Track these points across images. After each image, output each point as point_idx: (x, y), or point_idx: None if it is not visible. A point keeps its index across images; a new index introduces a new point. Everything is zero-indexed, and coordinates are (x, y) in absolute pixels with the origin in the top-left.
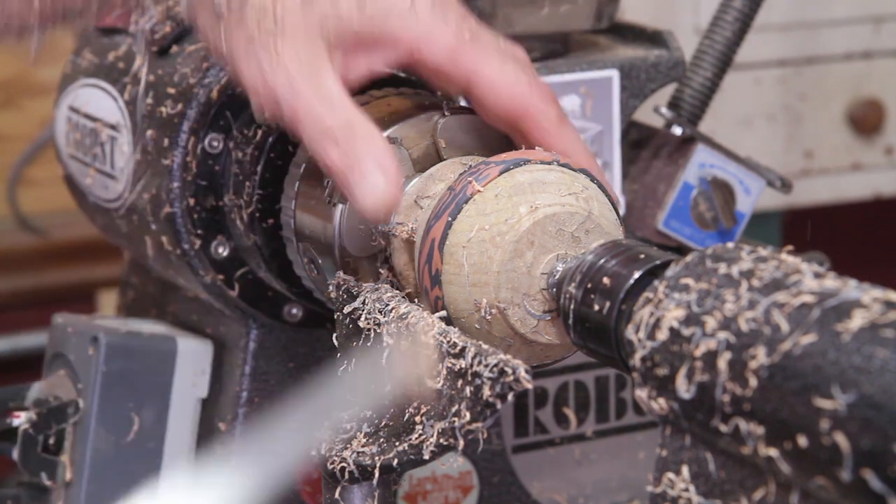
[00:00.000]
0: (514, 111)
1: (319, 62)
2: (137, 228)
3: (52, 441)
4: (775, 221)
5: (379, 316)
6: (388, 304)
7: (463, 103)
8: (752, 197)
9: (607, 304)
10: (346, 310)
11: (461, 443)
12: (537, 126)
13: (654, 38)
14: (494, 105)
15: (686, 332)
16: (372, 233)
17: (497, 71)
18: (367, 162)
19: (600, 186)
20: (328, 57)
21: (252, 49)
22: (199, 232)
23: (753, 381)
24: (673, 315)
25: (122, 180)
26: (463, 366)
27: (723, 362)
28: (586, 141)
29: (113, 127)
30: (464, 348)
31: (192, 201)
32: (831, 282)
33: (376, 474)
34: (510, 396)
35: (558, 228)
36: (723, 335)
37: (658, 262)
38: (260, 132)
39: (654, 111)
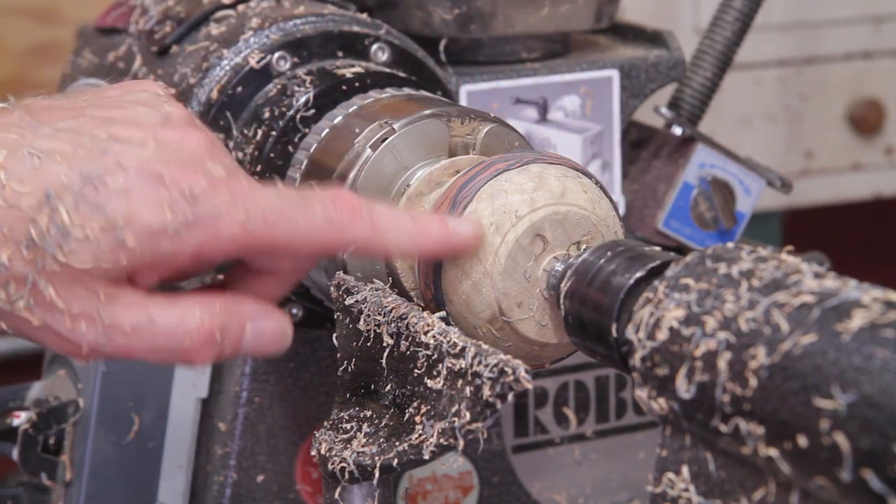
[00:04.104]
0: (325, 252)
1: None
2: None
3: (52, 441)
4: (775, 221)
5: (379, 317)
6: (388, 305)
7: (463, 102)
8: (752, 197)
9: (607, 303)
10: (347, 302)
11: (461, 443)
12: (357, 249)
13: (654, 38)
14: (305, 256)
15: (686, 332)
16: None
17: (288, 231)
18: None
19: (601, 187)
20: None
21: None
22: None
23: (753, 381)
24: (673, 315)
25: None
26: (463, 366)
27: (723, 362)
28: (586, 141)
29: None
30: (464, 348)
31: None
32: (831, 282)
33: (376, 474)
34: (510, 396)
35: (558, 228)
36: (723, 335)
37: (658, 262)
38: (260, 132)
39: (654, 111)
